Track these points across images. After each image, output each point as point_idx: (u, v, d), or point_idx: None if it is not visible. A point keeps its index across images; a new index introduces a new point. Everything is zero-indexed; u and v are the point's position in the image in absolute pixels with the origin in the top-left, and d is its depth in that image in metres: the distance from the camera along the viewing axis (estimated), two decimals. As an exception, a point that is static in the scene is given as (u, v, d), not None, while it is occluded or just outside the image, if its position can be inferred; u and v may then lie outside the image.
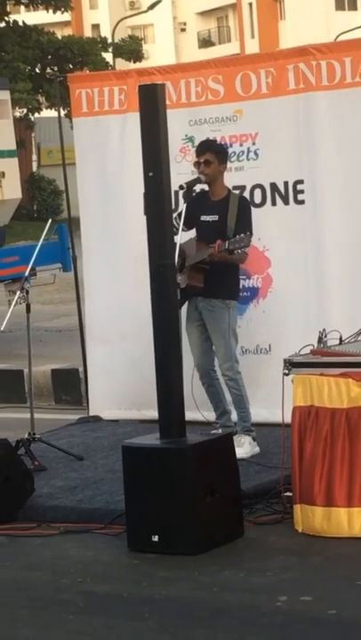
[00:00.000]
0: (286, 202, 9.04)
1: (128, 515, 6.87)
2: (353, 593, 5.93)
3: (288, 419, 6.99)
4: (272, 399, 7.58)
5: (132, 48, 41.15)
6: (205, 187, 8.44)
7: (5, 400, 11.78)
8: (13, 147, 14.51)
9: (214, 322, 8.38)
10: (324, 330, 7.21)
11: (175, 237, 7.62)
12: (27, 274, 9.12)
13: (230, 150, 8.94)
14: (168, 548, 6.66)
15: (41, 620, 5.91)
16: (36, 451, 8.51)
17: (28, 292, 8.92)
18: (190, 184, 8.35)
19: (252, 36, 68.90)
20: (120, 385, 9.79)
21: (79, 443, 9.11)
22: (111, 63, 39.97)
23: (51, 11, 39.94)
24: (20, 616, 5.97)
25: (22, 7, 42.25)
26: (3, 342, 13.07)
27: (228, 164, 8.66)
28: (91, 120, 9.83)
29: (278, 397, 7.02)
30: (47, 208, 37.55)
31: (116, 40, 41.37)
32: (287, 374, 7.03)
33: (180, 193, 8.44)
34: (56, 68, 37.68)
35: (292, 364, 7.04)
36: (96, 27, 66.81)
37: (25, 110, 36.92)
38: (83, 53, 38.71)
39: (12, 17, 40.35)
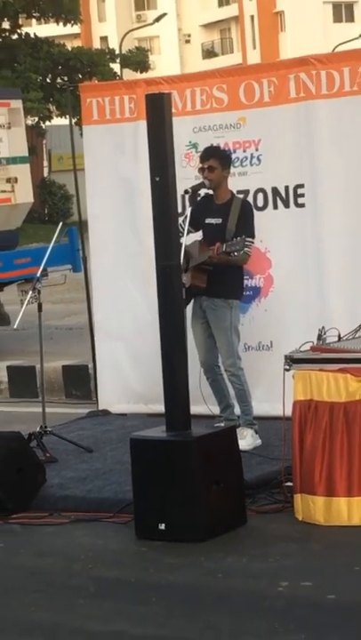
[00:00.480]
0: (287, 205, 9.04)
1: (136, 504, 6.88)
2: (351, 579, 5.93)
3: (289, 412, 7.00)
4: (273, 393, 7.58)
5: (138, 59, 41.14)
6: (210, 191, 8.45)
7: (18, 395, 11.80)
8: (25, 153, 14.51)
9: (217, 320, 8.39)
10: (323, 327, 7.22)
11: (181, 239, 7.64)
12: (38, 274, 9.15)
13: (234, 156, 8.94)
14: (174, 535, 6.66)
15: (53, 604, 5.92)
16: (48, 443, 8.51)
17: (39, 292, 8.94)
18: (195, 188, 8.37)
19: (254, 47, 68.89)
20: (128, 380, 9.80)
21: (89, 435, 9.12)
22: (119, 73, 39.93)
23: (61, 23, 39.90)
24: (33, 600, 5.97)
25: (34, 20, 42.26)
26: (16, 340, 13.08)
27: (232, 169, 8.66)
28: (102, 127, 9.82)
29: (279, 392, 7.02)
30: (58, 211, 37.54)
31: (123, 51, 41.36)
32: (288, 370, 7.03)
33: (186, 197, 8.45)
34: (66, 78, 37.65)
35: (292, 360, 7.05)
36: (104, 39, 66.81)
37: (36, 119, 36.89)
38: (92, 64, 38.69)
39: (24, 29, 40.37)
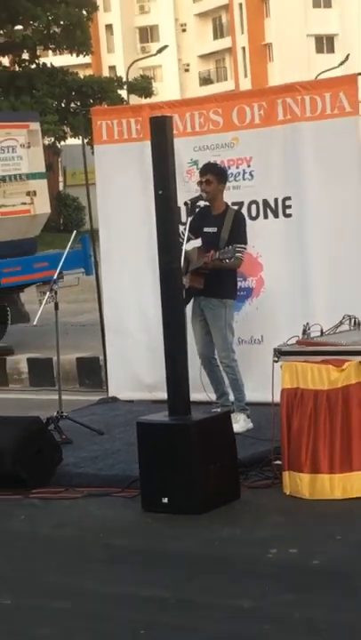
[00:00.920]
0: (276, 215, 9.02)
1: (142, 480, 6.88)
2: (333, 546, 5.93)
3: (277, 399, 6.99)
4: (264, 382, 7.56)
5: (143, 86, 41.03)
6: (207, 202, 8.44)
7: (37, 384, 11.80)
8: (43, 169, 14.47)
9: (213, 318, 8.38)
10: (307, 323, 7.21)
11: (182, 245, 7.63)
12: (55, 277, 9.12)
13: (229, 172, 8.92)
14: (176, 508, 6.66)
15: (68, 569, 5.92)
16: (64, 426, 8.51)
17: (56, 293, 8.91)
18: (194, 200, 8.36)
19: (246, 76, 68.77)
20: (134, 371, 9.79)
21: (100, 420, 9.11)
22: (126, 99, 39.85)
23: (74, 54, 39.88)
24: (51, 566, 5.98)
25: (50, 51, 42.21)
26: (35, 335, 13.07)
27: (228, 184, 8.64)
28: (111, 147, 9.80)
29: (269, 381, 7.01)
30: (72, 221, 37.45)
31: (129, 79, 41.27)
32: (277, 361, 7.02)
33: (187, 208, 8.44)
34: (79, 103, 37.55)
35: (280, 353, 7.04)
36: (112, 68, 66.67)
37: (52, 139, 36.80)
38: (101, 90, 38.60)
39: (42, 60, 40.34)
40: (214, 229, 8.34)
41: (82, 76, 40.31)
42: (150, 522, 6.64)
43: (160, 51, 42.06)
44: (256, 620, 4.96)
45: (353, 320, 7.39)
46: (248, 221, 8.61)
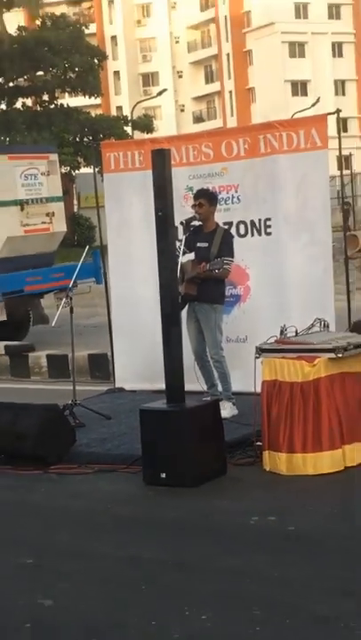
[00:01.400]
0: (260, 234, 9.02)
1: (144, 458, 6.86)
2: (306, 514, 5.92)
3: (259, 389, 6.99)
4: (247, 375, 7.55)
5: (145, 123, 41.06)
6: (200, 222, 8.43)
7: (55, 376, 11.78)
8: (60, 194, 14.47)
9: (205, 320, 8.37)
10: (284, 325, 7.20)
11: (178, 258, 7.61)
12: (70, 285, 9.12)
13: (220, 197, 8.91)
14: (173, 482, 6.63)
15: (81, 536, 5.89)
16: (77, 412, 8.49)
17: (71, 299, 8.90)
18: (188, 220, 8.34)
19: (232, 115, 68.84)
20: (137, 365, 9.77)
21: (108, 407, 9.08)
22: (130, 134, 39.88)
23: (87, 96, 39.90)
24: (66, 532, 5.96)
25: (66, 94, 42.23)
26: (54, 335, 13.05)
27: (219, 207, 8.65)
28: (118, 175, 9.80)
29: (252, 374, 7.01)
30: (84, 238, 37.38)
31: (134, 117, 41.29)
32: (258, 357, 7.01)
33: (182, 226, 8.42)
34: (91, 138, 37.57)
35: (261, 350, 7.03)
36: (119, 108, 66.73)
37: (68, 168, 36.82)
38: (110, 127, 38.64)
39: (60, 101, 40.38)
40: (206, 245, 8.33)
41: (93, 115, 40.40)
42: (151, 494, 6.62)
43: (160, 93, 42.00)
44: (241, 577, 4.94)
45: (322, 322, 7.40)
46: (237, 238, 8.64)
